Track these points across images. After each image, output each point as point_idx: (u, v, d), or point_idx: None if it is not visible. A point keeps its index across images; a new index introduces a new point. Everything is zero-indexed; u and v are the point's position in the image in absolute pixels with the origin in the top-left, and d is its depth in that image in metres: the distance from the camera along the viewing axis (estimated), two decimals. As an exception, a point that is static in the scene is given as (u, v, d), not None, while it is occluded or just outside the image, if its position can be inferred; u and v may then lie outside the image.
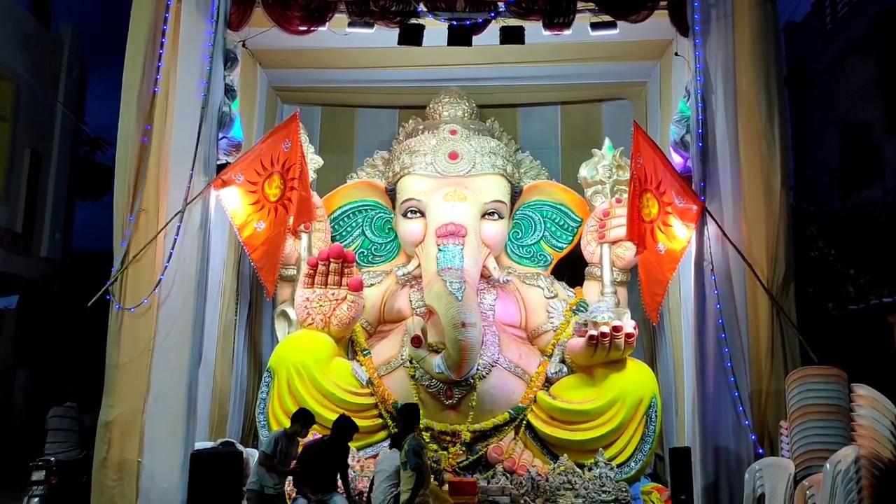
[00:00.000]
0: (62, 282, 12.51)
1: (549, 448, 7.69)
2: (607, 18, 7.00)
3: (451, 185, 8.35)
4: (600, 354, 7.42)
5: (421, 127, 9.18)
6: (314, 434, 6.69)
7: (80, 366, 10.69)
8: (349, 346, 8.35)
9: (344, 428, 6.10)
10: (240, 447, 6.81)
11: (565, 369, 8.06)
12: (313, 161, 8.75)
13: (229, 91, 7.12)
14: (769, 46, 6.43)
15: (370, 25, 7.20)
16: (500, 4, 6.97)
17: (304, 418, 6.17)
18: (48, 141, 12.64)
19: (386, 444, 7.19)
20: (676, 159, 7.09)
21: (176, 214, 6.49)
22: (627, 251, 8.15)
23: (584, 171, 8.78)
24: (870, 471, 4.11)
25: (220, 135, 7.03)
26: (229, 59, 7.03)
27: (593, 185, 8.72)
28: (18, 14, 11.86)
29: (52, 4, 13.67)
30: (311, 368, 7.52)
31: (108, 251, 6.95)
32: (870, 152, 11.73)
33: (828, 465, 4.26)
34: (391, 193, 8.95)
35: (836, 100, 13.32)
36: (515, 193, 8.91)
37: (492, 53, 8.23)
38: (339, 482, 6.13)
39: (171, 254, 6.43)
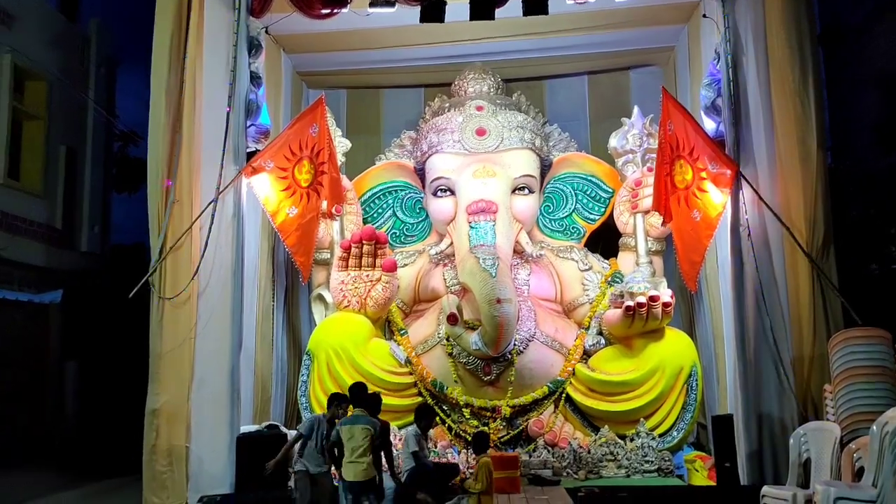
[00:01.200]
0: (102, 275, 12.81)
1: (590, 420, 7.70)
2: (632, -20, 6.86)
3: (479, 162, 8.31)
4: (638, 325, 7.37)
5: (447, 105, 9.13)
6: None
7: (124, 356, 11.01)
8: (386, 327, 8.42)
9: (373, 401, 6.15)
10: (283, 429, 6.93)
11: (603, 341, 8.03)
12: (341, 144, 8.77)
13: (255, 78, 7.17)
14: (801, 4, 6.25)
15: (391, 5, 7.17)
16: (522, -27, 6.87)
17: (336, 399, 6.23)
18: (82, 137, 12.90)
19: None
20: (708, 124, 6.96)
21: (209, 204, 6.59)
22: (661, 220, 8.05)
23: (614, 141, 8.66)
24: (919, 431, 4.04)
25: (248, 122, 7.10)
26: (253, 46, 7.08)
27: (624, 155, 8.61)
28: (47, 12, 12.08)
29: (78, 1, 13.88)
30: (349, 350, 7.61)
31: (145, 243, 7.11)
32: (909, 107, 11.41)
33: (874, 427, 4.20)
34: (420, 173, 8.94)
35: (872, 56, 12.94)
36: (545, 167, 8.84)
37: (515, 26, 8.15)
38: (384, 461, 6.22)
39: (206, 242, 6.54)
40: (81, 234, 12.69)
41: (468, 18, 7.14)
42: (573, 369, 7.80)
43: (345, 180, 8.58)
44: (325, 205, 7.62)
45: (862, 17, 13.44)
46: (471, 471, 6.50)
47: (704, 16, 7.27)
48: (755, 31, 6.28)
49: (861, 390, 5.18)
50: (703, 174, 6.30)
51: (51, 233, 11.85)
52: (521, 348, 7.70)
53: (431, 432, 7.29)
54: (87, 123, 13.05)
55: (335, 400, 6.21)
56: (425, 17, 7.14)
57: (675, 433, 7.36)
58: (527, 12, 7.13)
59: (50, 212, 11.90)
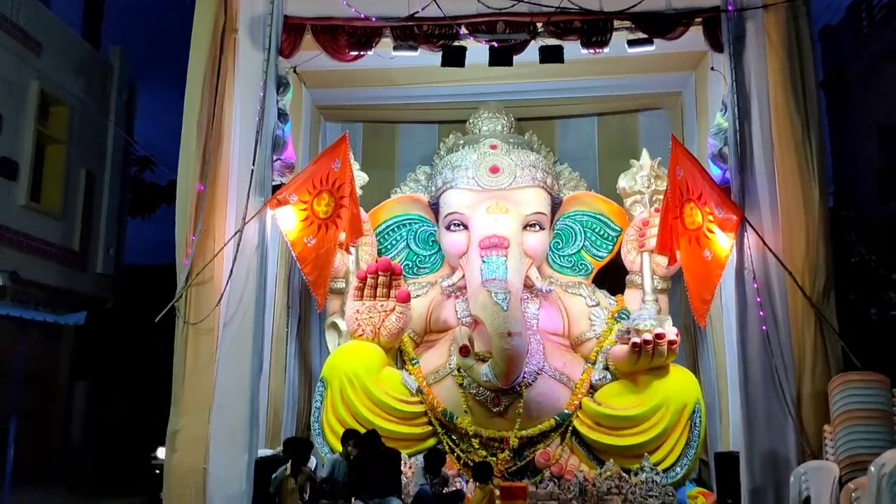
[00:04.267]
0: (116, 297, 13.03)
1: (595, 453, 7.88)
2: (643, 36, 7.19)
3: (492, 199, 8.58)
4: (644, 361, 7.59)
5: (461, 142, 9.44)
6: None
7: (139, 378, 11.21)
8: (398, 356, 8.63)
9: (371, 440, 6.41)
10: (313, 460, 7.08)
11: (609, 376, 8.23)
12: (359, 178, 9.05)
13: (282, 115, 7.47)
14: (803, 60, 6.61)
15: (414, 49, 7.49)
16: (539, 25, 7.20)
17: (347, 437, 6.48)
18: (101, 161, 13.16)
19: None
20: (715, 171, 7.26)
21: (235, 234, 6.85)
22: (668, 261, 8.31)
23: (623, 182, 8.96)
24: (914, 473, 4.25)
25: (275, 157, 7.37)
26: (281, 85, 7.37)
27: (632, 196, 8.89)
28: (71, 38, 12.42)
29: (102, 27, 14.26)
30: (362, 377, 7.82)
31: (159, 265, 7.34)
32: (909, 155, 11.72)
33: (872, 468, 4.40)
34: (434, 207, 9.22)
35: (874, 103, 13.29)
36: (555, 204, 9.12)
37: (530, 69, 8.42)
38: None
39: (231, 270, 6.78)
40: (97, 256, 12.90)
41: (487, 63, 7.45)
42: (580, 403, 8.00)
43: (361, 212, 8.86)
44: (342, 237, 7.89)
45: (865, 63, 13.82)
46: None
47: (713, 68, 7.59)
48: (759, 83, 6.61)
49: (859, 432, 5.40)
50: (711, 217, 6.56)
51: (67, 254, 12.08)
52: (529, 381, 7.91)
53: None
54: (107, 148, 13.32)
55: (348, 438, 6.43)
56: (446, 62, 7.45)
57: (678, 469, 7.55)
58: (543, 61, 7.45)
59: (68, 234, 12.13)
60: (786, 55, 6.57)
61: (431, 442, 8.00)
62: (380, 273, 8.09)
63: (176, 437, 6.57)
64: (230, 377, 6.65)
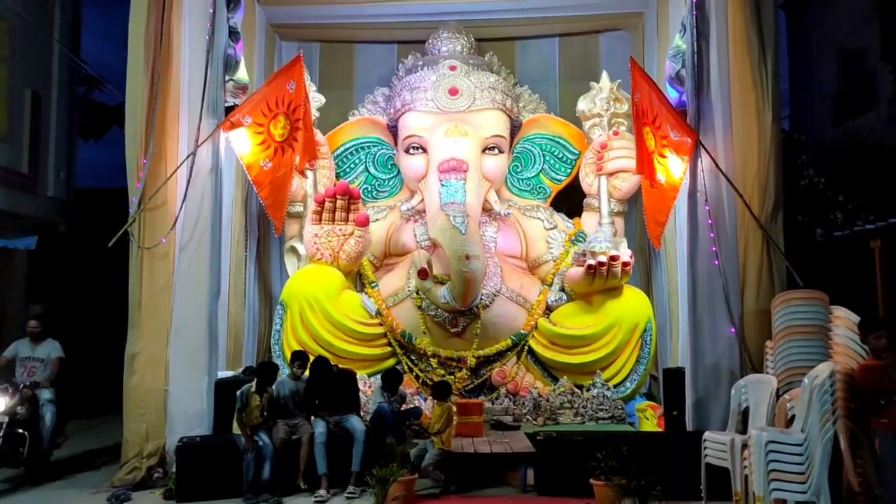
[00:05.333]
0: (69, 221, 12.77)
1: (550, 371, 8.15)
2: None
3: (451, 121, 8.52)
4: (598, 283, 7.78)
5: (420, 63, 9.28)
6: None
7: (91, 301, 11.12)
8: (357, 280, 8.70)
9: (318, 368, 6.57)
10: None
11: (565, 297, 8.43)
12: (315, 99, 8.88)
13: (233, 33, 7.22)
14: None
15: (370, -36, 7.25)
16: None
17: (294, 357, 6.62)
18: (47, 80, 12.64)
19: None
20: (672, 94, 7.27)
21: (188, 157, 6.71)
22: (624, 182, 8.43)
23: (582, 105, 8.93)
24: (843, 384, 4.49)
25: (227, 77, 7.17)
26: (232, 1, 7.10)
27: (591, 119, 8.89)
28: (9, -51, 11.73)
29: (42, -63, 13.45)
30: (322, 301, 7.88)
31: (111, 188, 7.16)
32: (865, 79, 11.84)
33: (805, 380, 4.64)
34: (393, 130, 9.13)
35: (834, 26, 13.31)
36: (515, 127, 9.10)
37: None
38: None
39: (185, 194, 6.68)
40: (47, 180, 12.56)
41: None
42: (536, 323, 8.21)
43: (318, 135, 8.73)
44: (297, 160, 7.79)
45: (826, -15, 13.77)
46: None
47: (672, -13, 7.51)
48: (718, 6, 6.57)
49: (797, 347, 5.66)
50: (665, 141, 6.63)
51: (16, 177, 11.72)
52: (487, 302, 8.07)
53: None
54: (53, 66, 12.79)
55: (297, 359, 6.55)
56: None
57: (628, 384, 7.87)
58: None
59: (15, 156, 11.74)
60: (745, -24, 6.51)
61: (391, 362, 8.18)
62: (338, 197, 8.06)
63: (135, 359, 6.59)
64: (187, 300, 6.65)
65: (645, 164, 7.02)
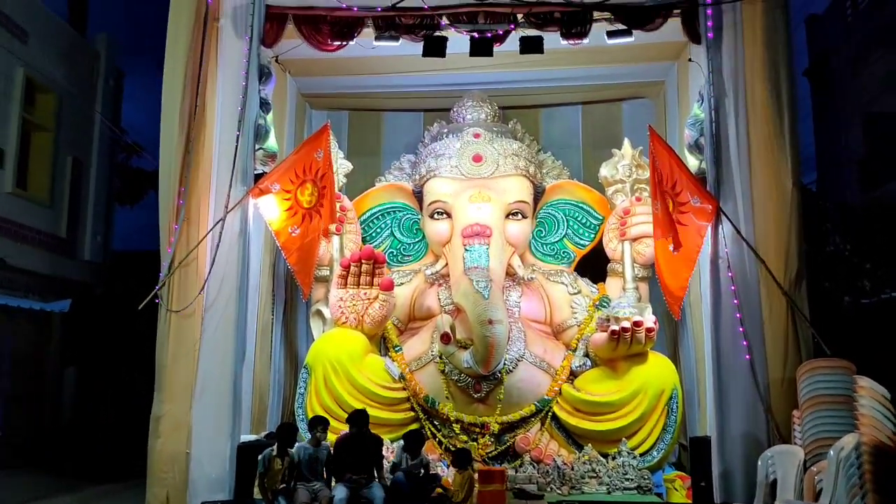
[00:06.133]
0: (104, 283, 13.11)
1: (574, 438, 8.01)
2: (622, 27, 7.25)
3: (475, 187, 8.66)
4: (622, 348, 7.71)
5: (445, 130, 9.50)
6: None
7: (126, 364, 11.30)
8: (381, 343, 8.73)
9: (360, 419, 6.52)
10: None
11: (589, 363, 8.36)
12: (343, 166, 9.12)
13: (264, 104, 7.52)
14: (779, 52, 6.68)
15: (396, 39, 7.54)
16: (519, 16, 7.26)
17: (315, 423, 6.52)
18: (88, 148, 13.21)
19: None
20: (693, 161, 7.35)
21: (217, 223, 6.92)
22: (648, 248, 8.43)
23: (605, 171, 9.05)
24: (870, 456, 4.38)
25: (257, 146, 7.44)
26: (264, 74, 7.43)
27: (614, 184, 8.98)
28: (58, 25, 12.41)
29: (88, 14, 14.23)
30: (346, 364, 7.92)
31: (146, 251, 7.42)
32: (891, 145, 11.82)
33: (831, 452, 4.55)
34: (418, 195, 9.30)
35: (858, 92, 13.39)
36: (538, 193, 9.21)
37: (513, 58, 8.45)
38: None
39: (213, 258, 6.87)
40: (84, 243, 12.97)
41: (468, 54, 7.51)
42: (560, 389, 8.12)
43: (345, 200, 8.94)
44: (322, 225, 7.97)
45: (850, 51, 13.91)
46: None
47: (690, 59, 7.66)
48: (736, 76, 6.70)
49: (824, 417, 5.55)
50: (684, 208, 6.67)
51: (55, 241, 12.13)
52: (510, 367, 8.03)
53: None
54: (94, 134, 13.37)
55: (318, 424, 6.51)
56: (428, 52, 7.51)
57: (655, 453, 7.68)
58: (523, 51, 7.52)
59: (55, 221, 12.18)
60: (762, 47, 6.65)
61: (414, 427, 8.12)
62: (363, 261, 8.17)
63: (160, 422, 6.67)
64: (212, 363, 6.76)
65: (664, 228, 7.05)
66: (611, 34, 7.39)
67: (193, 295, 6.79)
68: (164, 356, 6.81)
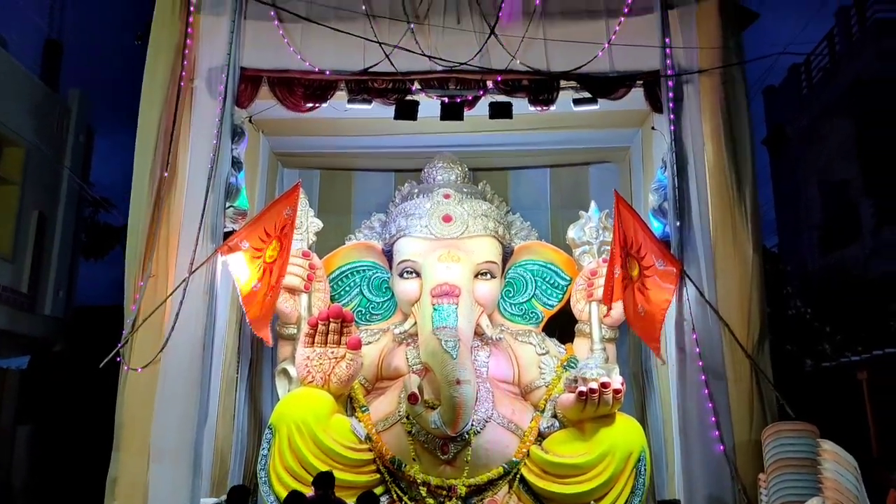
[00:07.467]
0: (64, 339, 12.80)
1: (543, 501, 7.90)
2: (588, 95, 7.51)
3: (445, 247, 8.73)
4: (590, 409, 7.70)
5: (416, 190, 9.61)
6: None
7: (82, 422, 10.96)
8: (348, 403, 8.62)
9: (325, 481, 6.40)
10: None
11: (557, 424, 8.32)
12: (313, 224, 9.14)
13: (236, 163, 7.59)
14: (737, 122, 6.98)
15: (368, 102, 7.72)
16: (489, 83, 7.48)
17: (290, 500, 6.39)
18: (55, 202, 13.06)
19: (384, 498, 7.48)
20: (657, 225, 7.53)
21: (182, 282, 6.87)
22: (614, 309, 8.52)
23: (572, 233, 9.20)
24: (834, 521, 4.42)
25: (228, 204, 7.46)
26: (237, 134, 7.52)
27: (581, 246, 9.12)
28: (29, 80, 12.39)
29: (61, 70, 14.27)
30: (311, 425, 7.77)
31: (109, 306, 7.32)
32: (848, 211, 12.25)
33: (797, 516, 4.58)
34: (388, 254, 9.33)
35: (814, 160, 13.93)
36: (507, 253, 9.31)
37: (482, 122, 8.70)
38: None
39: (177, 315, 6.78)
40: (46, 298, 12.70)
41: (439, 117, 7.68)
42: (528, 451, 8.05)
43: (315, 258, 8.93)
44: (296, 281, 7.96)
45: (805, 122, 14.50)
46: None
47: (653, 128, 7.94)
48: (696, 143, 6.97)
49: (790, 480, 5.60)
50: (648, 271, 6.81)
51: (16, 296, 11.87)
52: (478, 429, 7.95)
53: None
54: (61, 189, 13.23)
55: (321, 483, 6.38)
56: (399, 115, 7.68)
57: (624, 516, 7.61)
58: (493, 116, 7.75)
59: (17, 275, 11.94)
60: (720, 117, 6.94)
61: (380, 490, 7.95)
62: (331, 319, 8.12)
63: (116, 483, 6.48)
64: (172, 423, 6.62)
65: (609, 293, 7.17)
66: (577, 102, 7.63)
67: (154, 353, 6.68)
68: (123, 415, 6.64)
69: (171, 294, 6.83)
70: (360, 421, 8.27)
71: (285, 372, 8.68)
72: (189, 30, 7.39)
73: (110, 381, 6.95)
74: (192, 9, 7.44)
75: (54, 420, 11.62)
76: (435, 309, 8.27)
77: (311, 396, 8.05)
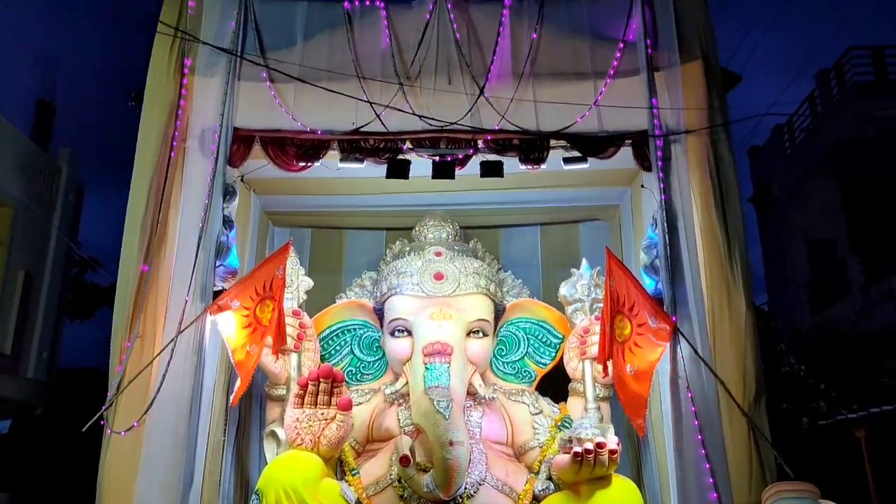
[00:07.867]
0: (47, 402, 12.53)
1: (538, 566, 7.67)
2: (578, 154, 7.61)
3: (436, 305, 8.66)
4: (585, 471, 7.51)
5: (407, 248, 9.60)
6: None
7: (64, 488, 10.62)
8: (338, 466, 8.39)
9: None
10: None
11: (552, 486, 8.12)
12: (304, 282, 9.05)
13: (227, 222, 7.57)
14: (724, 181, 7.06)
15: (360, 161, 7.77)
16: (479, 142, 7.58)
17: None
18: (42, 261, 12.99)
19: (374, 567, 7.21)
20: (649, 282, 7.54)
21: (170, 342, 6.76)
22: (611, 368, 8.44)
23: (564, 290, 9.16)
24: (841, 586, 4.29)
25: (218, 263, 7.41)
26: (228, 193, 7.52)
27: (573, 304, 9.07)
28: (19, 139, 12.46)
29: (52, 129, 14.38)
30: (300, 490, 7.49)
31: (93, 368, 7.16)
32: (836, 269, 12.34)
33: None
34: (379, 313, 9.25)
35: (801, 218, 14.10)
36: (499, 311, 9.24)
37: (474, 181, 8.77)
38: None
39: (163, 377, 6.65)
40: (29, 360, 12.49)
41: (431, 176, 7.74)
42: (522, 515, 7.85)
43: (305, 317, 8.82)
44: (286, 341, 7.86)
45: (790, 180, 14.72)
46: None
47: (643, 186, 8.04)
48: (685, 201, 7.03)
49: (792, 543, 5.44)
50: (641, 329, 6.77)
51: (-2, 358, 11.69)
52: (471, 492, 7.75)
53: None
54: (49, 249, 13.20)
55: None
56: (391, 174, 7.74)
57: (620, 582, 7.36)
58: (484, 175, 7.81)
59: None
60: (708, 176, 7.03)
61: (369, 558, 7.70)
62: (321, 380, 7.95)
63: (97, 554, 6.22)
64: (156, 488, 6.40)
65: (606, 352, 7.12)
66: (567, 160, 7.72)
67: (138, 415, 6.52)
68: (105, 480, 6.44)
69: (157, 355, 6.71)
70: (350, 485, 8.04)
71: (274, 434, 8.47)
72: (183, 91, 7.47)
73: (93, 444, 6.76)
74: (185, 70, 7.53)
75: (34, 487, 11.26)
76: (427, 368, 8.16)
77: (299, 460, 7.81)
